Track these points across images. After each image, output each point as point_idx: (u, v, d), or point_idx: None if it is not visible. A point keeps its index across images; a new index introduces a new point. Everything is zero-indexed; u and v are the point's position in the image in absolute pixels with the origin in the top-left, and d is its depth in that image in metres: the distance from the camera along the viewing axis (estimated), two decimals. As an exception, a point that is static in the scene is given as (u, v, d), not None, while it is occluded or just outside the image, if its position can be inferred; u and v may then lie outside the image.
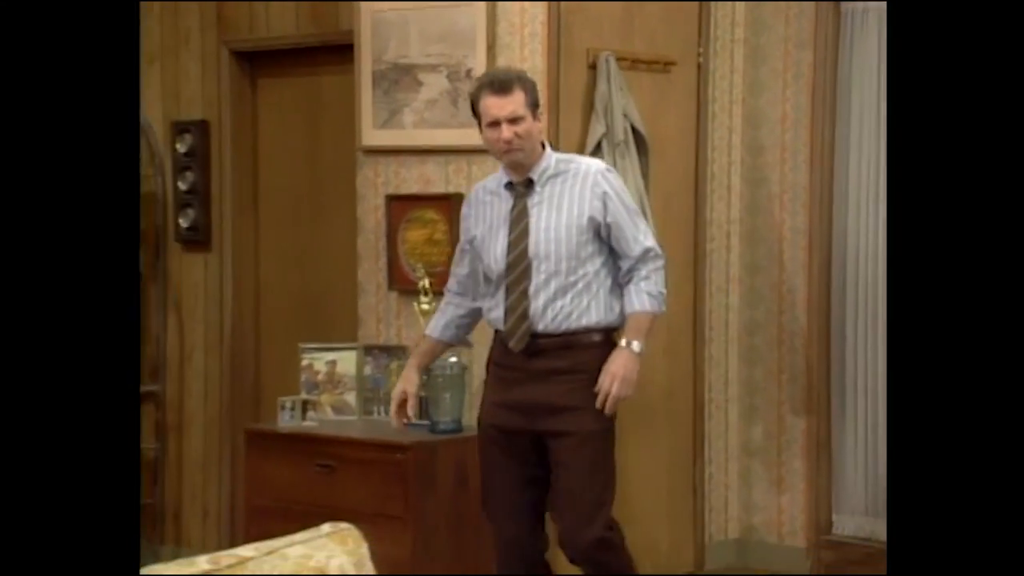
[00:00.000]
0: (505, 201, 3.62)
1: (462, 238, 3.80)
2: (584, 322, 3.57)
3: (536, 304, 3.55)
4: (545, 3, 4.37)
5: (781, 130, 4.95)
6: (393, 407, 3.83)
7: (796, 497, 4.91)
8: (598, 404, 3.55)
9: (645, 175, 4.52)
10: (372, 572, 2.65)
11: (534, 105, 3.56)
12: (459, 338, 3.90)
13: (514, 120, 3.49)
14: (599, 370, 3.56)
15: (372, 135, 4.58)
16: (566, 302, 3.55)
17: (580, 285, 3.56)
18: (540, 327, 3.55)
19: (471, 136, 4.39)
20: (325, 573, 2.56)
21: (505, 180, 3.64)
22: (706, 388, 4.95)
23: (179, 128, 5.43)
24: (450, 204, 4.40)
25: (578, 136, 4.45)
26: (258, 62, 5.31)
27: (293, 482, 4.27)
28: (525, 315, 3.55)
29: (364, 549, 2.65)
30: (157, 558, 5.01)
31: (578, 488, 3.57)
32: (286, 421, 4.41)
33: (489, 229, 3.64)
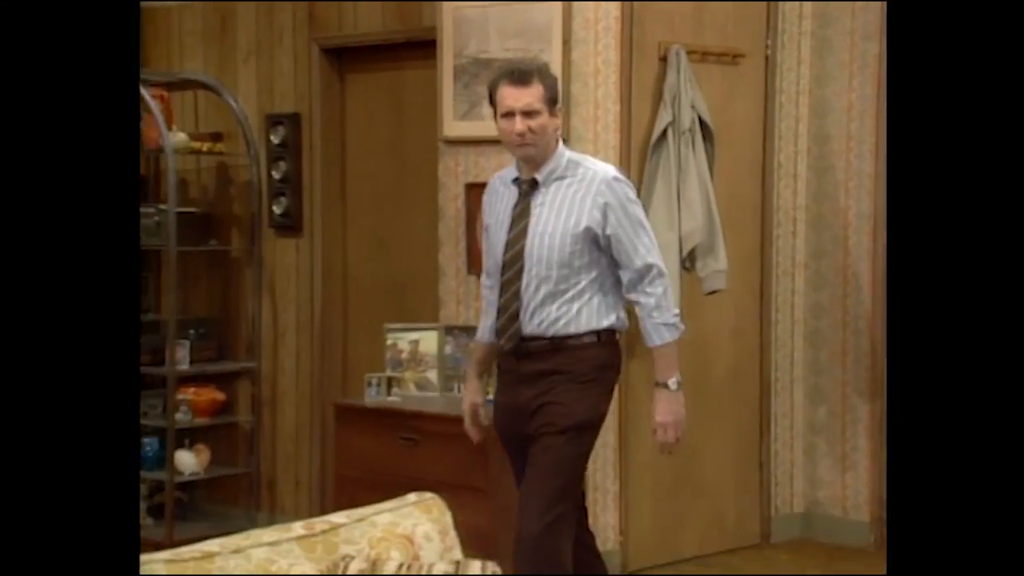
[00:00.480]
0: (512, 196, 3.40)
1: (485, 227, 3.55)
2: (573, 328, 3.31)
3: (525, 307, 3.32)
4: (618, -1, 4.38)
5: (847, 119, 4.91)
6: (467, 421, 3.59)
7: (860, 473, 4.89)
8: (661, 451, 3.45)
9: (710, 164, 4.52)
10: (455, 539, 2.70)
11: (552, 101, 3.30)
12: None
13: (529, 113, 3.25)
14: (584, 371, 3.32)
15: (453, 126, 4.63)
16: (552, 310, 3.30)
17: (571, 293, 3.30)
18: (527, 331, 3.32)
19: (547, 127, 4.43)
20: (412, 539, 2.62)
21: (515, 175, 3.41)
22: (772, 369, 4.93)
23: (273, 121, 5.53)
24: (527, 192, 4.43)
25: (646, 125, 4.45)
26: (346, 58, 5.38)
27: (379, 454, 4.34)
28: (516, 316, 3.34)
29: (448, 518, 2.71)
30: (253, 524, 5.12)
31: (538, 483, 3.28)
32: (372, 396, 4.49)
33: (497, 222, 3.43)
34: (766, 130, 4.88)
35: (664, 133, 4.41)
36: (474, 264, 4.61)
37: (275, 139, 5.51)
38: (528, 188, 3.35)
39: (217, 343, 5.69)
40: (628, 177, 4.33)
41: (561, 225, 3.28)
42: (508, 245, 3.35)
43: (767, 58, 4.86)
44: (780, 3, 4.88)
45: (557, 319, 3.30)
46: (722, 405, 4.79)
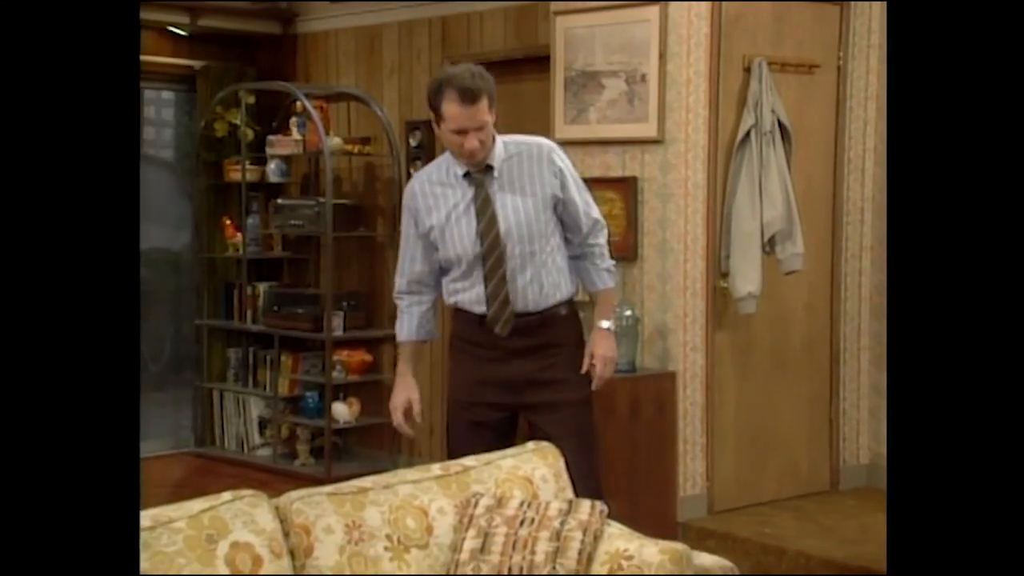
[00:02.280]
0: (462, 190, 3.02)
1: (410, 233, 3.11)
2: (557, 297, 3.08)
3: (515, 287, 3.02)
4: (708, 17, 4.30)
5: (910, 120, 4.75)
6: (399, 417, 3.19)
7: (919, 431, 4.75)
8: (594, 387, 3.12)
9: (788, 161, 4.43)
10: (567, 482, 2.71)
11: (492, 103, 2.96)
12: (432, 333, 3.28)
13: (479, 128, 2.93)
14: (572, 343, 3.12)
15: (563, 129, 4.61)
16: (541, 281, 3.05)
17: (549, 262, 3.06)
18: (520, 308, 3.03)
19: (644, 130, 4.39)
20: (531, 480, 2.64)
21: (461, 171, 3.03)
22: (841, 339, 4.83)
23: (411, 126, 5.59)
24: (626, 186, 4.41)
25: (732, 128, 4.38)
26: (473, 72, 5.39)
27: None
28: (507, 300, 3.03)
29: (561, 463, 2.72)
30: (396, 465, 5.21)
31: (574, 458, 2.86)
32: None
33: (447, 218, 3.03)
34: (837, 131, 4.76)
35: (748, 135, 4.33)
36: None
37: (413, 142, 5.58)
38: (481, 177, 3.01)
39: (365, 313, 5.79)
40: (713, 174, 4.28)
41: (530, 200, 3.01)
42: (482, 236, 3.00)
43: (839, 68, 4.74)
44: (851, 19, 4.74)
45: (543, 290, 3.05)
46: (798, 370, 4.71)
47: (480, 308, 3.07)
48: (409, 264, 3.16)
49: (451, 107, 2.91)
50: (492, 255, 3.02)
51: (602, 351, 3.12)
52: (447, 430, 3.22)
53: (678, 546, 2.40)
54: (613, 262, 3.24)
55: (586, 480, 2.89)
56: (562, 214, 3.09)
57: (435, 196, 3.06)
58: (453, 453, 2.99)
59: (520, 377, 3.07)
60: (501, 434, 3.06)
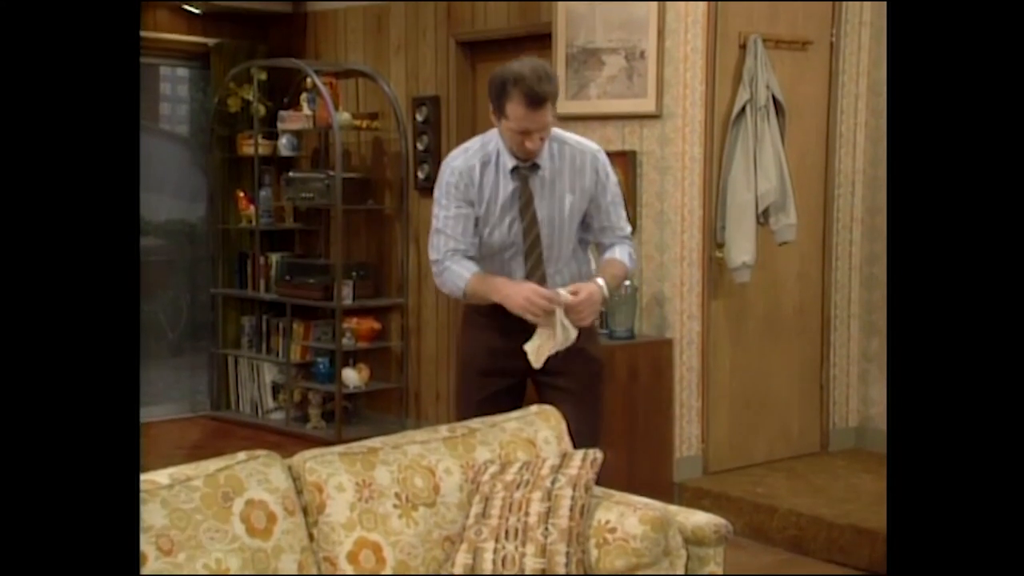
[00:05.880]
0: (507, 180, 2.95)
1: (458, 199, 2.96)
2: (575, 272, 3.03)
3: (549, 271, 2.97)
4: (705, -5, 4.27)
5: (900, 96, 4.71)
6: (542, 303, 2.86)
7: (906, 395, 4.75)
8: (578, 301, 2.87)
9: (783, 135, 4.41)
10: (569, 444, 2.71)
11: (555, 104, 2.90)
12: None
13: (542, 129, 2.87)
14: (587, 326, 2.98)
15: (565, 105, 4.57)
16: (572, 268, 3.02)
17: (573, 261, 3.04)
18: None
19: (642, 105, 4.36)
20: (534, 442, 2.64)
21: (510, 164, 2.94)
22: (832, 307, 4.82)
23: (418, 102, 5.56)
24: (626, 159, 4.39)
25: (727, 102, 4.35)
26: (477, 50, 5.36)
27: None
28: (543, 280, 2.96)
29: (563, 425, 2.72)
30: (403, 428, 5.23)
31: (576, 427, 2.80)
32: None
33: (488, 204, 2.96)
34: (830, 106, 4.73)
35: (743, 109, 4.31)
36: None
37: (419, 117, 5.55)
38: (528, 172, 2.95)
39: (374, 283, 5.79)
40: (710, 147, 4.25)
41: (567, 199, 2.96)
42: (526, 228, 2.94)
43: (831, 45, 4.70)
44: (844, -3, 4.69)
45: (571, 276, 2.99)
46: (790, 336, 4.70)
47: None
48: (457, 229, 2.97)
49: (517, 109, 2.82)
50: (529, 239, 2.96)
51: (594, 296, 2.92)
52: (458, 398, 3.15)
53: (659, 514, 2.39)
54: (634, 260, 3.12)
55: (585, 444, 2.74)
56: (598, 214, 3.02)
57: (483, 181, 2.96)
58: (463, 417, 2.91)
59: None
60: (511, 400, 2.97)
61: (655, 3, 4.27)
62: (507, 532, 2.32)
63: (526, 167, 2.95)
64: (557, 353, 2.89)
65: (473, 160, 2.98)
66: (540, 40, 4.77)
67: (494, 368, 3.04)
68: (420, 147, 5.54)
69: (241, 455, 2.25)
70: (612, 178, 3.05)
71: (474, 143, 3.04)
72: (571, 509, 2.33)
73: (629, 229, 3.12)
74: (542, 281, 2.96)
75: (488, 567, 2.29)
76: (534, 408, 2.76)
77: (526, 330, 2.92)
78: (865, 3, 4.72)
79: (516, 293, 2.86)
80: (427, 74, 5.53)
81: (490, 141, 2.99)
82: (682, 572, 2.41)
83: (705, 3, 4.27)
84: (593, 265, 3.13)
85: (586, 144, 3.06)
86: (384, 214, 5.80)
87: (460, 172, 2.98)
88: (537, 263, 2.97)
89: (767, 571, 3.81)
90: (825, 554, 3.90)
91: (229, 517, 2.11)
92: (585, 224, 3.05)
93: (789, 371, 4.72)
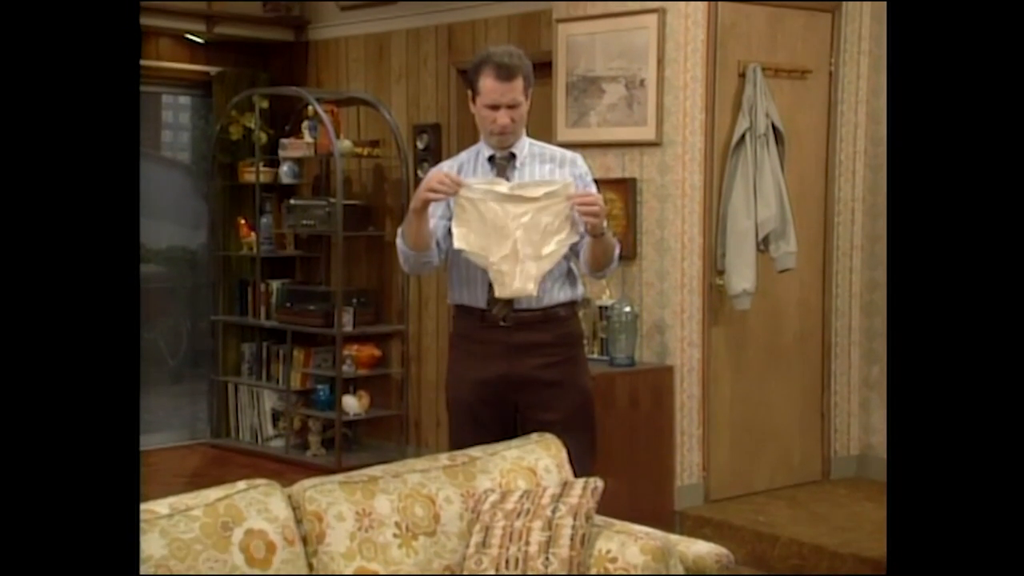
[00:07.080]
0: (484, 170, 2.94)
1: (436, 208, 2.91)
2: (557, 296, 2.94)
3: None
4: (704, 24, 4.29)
5: (899, 124, 4.72)
6: (433, 184, 2.77)
7: (907, 423, 4.73)
8: (583, 201, 2.78)
9: (782, 163, 4.42)
10: (570, 472, 2.69)
11: (528, 87, 2.90)
12: (431, 248, 2.93)
13: (512, 106, 2.87)
14: (573, 344, 2.99)
15: (565, 132, 4.60)
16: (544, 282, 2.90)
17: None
18: (523, 303, 2.90)
19: (642, 133, 4.37)
20: (535, 470, 2.62)
21: (487, 153, 2.95)
22: (833, 334, 4.81)
23: (419, 129, 5.58)
24: (626, 187, 4.39)
25: (727, 130, 4.36)
26: (478, 78, 5.37)
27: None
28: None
29: (563, 453, 2.70)
30: (403, 455, 5.20)
31: (575, 453, 2.76)
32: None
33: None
34: (829, 134, 4.74)
35: (743, 137, 4.32)
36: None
37: (420, 144, 5.57)
38: (505, 163, 2.94)
39: (375, 310, 5.79)
40: (709, 175, 4.24)
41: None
42: None
43: (831, 74, 4.72)
44: (842, 26, 4.72)
45: (546, 287, 2.90)
46: (790, 364, 4.69)
47: (482, 302, 2.95)
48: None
49: (487, 82, 2.87)
50: None
51: (596, 196, 2.84)
52: (450, 427, 3.10)
53: (660, 543, 2.36)
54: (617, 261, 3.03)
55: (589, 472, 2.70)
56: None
57: (462, 173, 2.94)
58: (456, 448, 2.82)
59: (520, 374, 2.91)
60: (502, 429, 2.90)
61: (655, 32, 4.29)
62: (507, 562, 2.29)
63: (503, 156, 2.95)
64: (543, 380, 2.87)
65: (457, 162, 3.03)
66: (540, 68, 4.72)
67: (480, 397, 2.96)
68: (421, 174, 5.53)
69: (241, 484, 2.23)
70: (591, 184, 2.98)
71: (461, 153, 3.10)
72: (571, 539, 2.31)
73: (611, 234, 2.98)
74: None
75: (489, 597, 2.27)
76: (534, 436, 2.74)
77: (518, 353, 2.90)
78: (864, 32, 4.75)
79: (423, 185, 2.80)
80: (428, 102, 5.55)
81: (475, 149, 3.03)
82: (684, 602, 2.38)
83: (705, 32, 4.29)
84: (574, 291, 3.01)
85: (567, 151, 3.07)
86: (385, 241, 5.80)
87: (445, 171, 2.92)
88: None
89: (769, 601, 3.77)
90: (828, 583, 3.87)
91: (228, 547, 2.09)
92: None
93: (790, 399, 4.70)
